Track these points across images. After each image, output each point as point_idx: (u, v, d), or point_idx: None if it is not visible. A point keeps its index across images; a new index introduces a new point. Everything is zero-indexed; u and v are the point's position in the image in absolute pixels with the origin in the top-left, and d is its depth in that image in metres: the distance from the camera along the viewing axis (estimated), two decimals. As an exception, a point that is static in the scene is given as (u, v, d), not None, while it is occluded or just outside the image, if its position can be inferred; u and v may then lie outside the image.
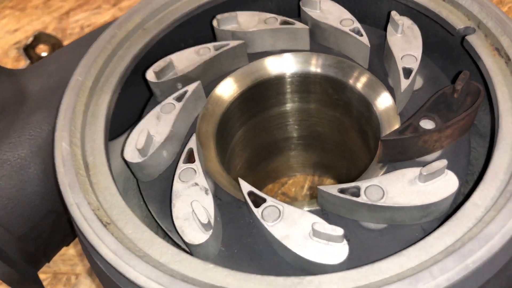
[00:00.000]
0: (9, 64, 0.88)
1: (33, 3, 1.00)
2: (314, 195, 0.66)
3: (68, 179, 0.36)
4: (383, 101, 0.45)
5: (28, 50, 0.78)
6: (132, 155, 0.40)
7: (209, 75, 0.48)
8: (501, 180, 0.34)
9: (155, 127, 0.42)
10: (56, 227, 0.47)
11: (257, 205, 0.36)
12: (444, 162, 0.35)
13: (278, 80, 0.51)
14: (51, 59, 0.50)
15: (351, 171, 0.60)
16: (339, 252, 0.33)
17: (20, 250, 0.44)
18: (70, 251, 0.63)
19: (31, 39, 0.78)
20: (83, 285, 0.61)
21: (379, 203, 0.35)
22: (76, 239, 0.56)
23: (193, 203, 0.35)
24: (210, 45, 0.48)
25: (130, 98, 0.48)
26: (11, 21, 0.98)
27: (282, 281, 0.30)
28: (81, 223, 0.33)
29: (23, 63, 0.89)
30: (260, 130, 0.57)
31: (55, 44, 0.82)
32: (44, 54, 0.81)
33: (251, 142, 0.57)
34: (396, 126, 0.43)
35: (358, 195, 0.36)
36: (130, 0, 0.99)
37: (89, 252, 0.34)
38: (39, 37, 0.79)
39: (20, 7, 1.00)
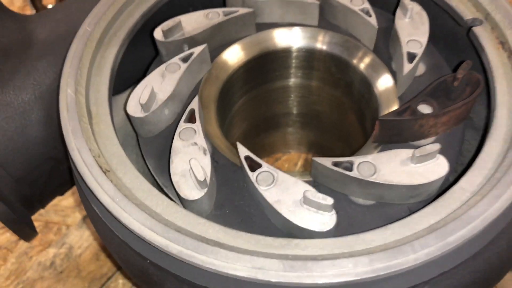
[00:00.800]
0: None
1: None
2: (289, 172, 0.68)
3: (71, 125, 0.36)
4: (384, 83, 0.46)
5: (35, 0, 0.77)
6: (135, 109, 0.40)
7: (216, 40, 0.49)
8: (489, 169, 0.35)
9: (159, 84, 0.42)
10: (53, 174, 0.48)
11: (252, 170, 0.37)
12: (437, 146, 0.36)
13: (284, 53, 0.51)
14: (59, 7, 0.50)
15: (345, 152, 0.62)
16: (327, 221, 0.34)
17: (17, 192, 0.45)
18: (63, 202, 0.64)
19: (38, -13, 0.77)
20: (73, 235, 0.62)
21: (370, 179, 0.36)
22: (71, 190, 0.57)
23: (191, 161, 0.36)
24: (220, 10, 0.49)
25: (136, 56, 0.48)
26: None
27: (271, 241, 0.32)
28: (81, 168, 0.34)
29: (29, 13, 0.89)
30: (261, 102, 0.58)
31: (62, -4, 0.81)
32: (50, 6, 0.80)
33: (251, 113, 0.58)
34: (395, 108, 0.44)
35: (350, 170, 0.37)
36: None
37: (87, 197, 0.35)
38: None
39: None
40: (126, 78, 0.48)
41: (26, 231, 0.47)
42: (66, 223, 0.63)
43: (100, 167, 0.34)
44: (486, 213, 0.31)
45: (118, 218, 0.32)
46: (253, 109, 0.58)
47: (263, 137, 0.65)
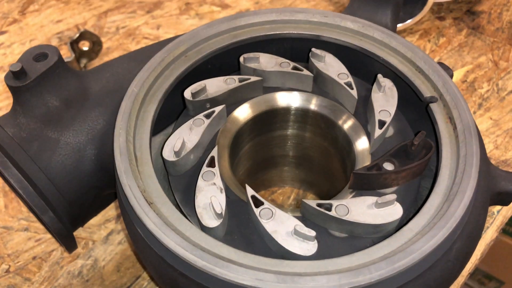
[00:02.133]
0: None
1: (76, -2, 1.13)
2: (297, 205, 0.80)
3: (123, 166, 0.48)
4: (361, 143, 0.59)
5: (73, 44, 0.90)
6: (169, 154, 0.53)
7: (231, 100, 0.62)
8: (431, 215, 0.47)
9: (188, 136, 0.55)
10: (95, 200, 0.59)
11: (256, 206, 0.49)
12: (393, 196, 0.48)
13: (284, 111, 0.64)
14: (107, 67, 0.63)
15: (330, 190, 0.74)
16: (310, 248, 0.46)
17: (68, 213, 0.56)
18: (90, 221, 0.76)
19: (77, 35, 0.90)
20: (98, 249, 0.73)
21: (344, 218, 0.48)
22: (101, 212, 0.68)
23: (212, 198, 0.48)
24: (236, 77, 0.62)
25: (167, 107, 0.61)
26: (55, 12, 1.10)
27: (268, 261, 0.44)
28: (132, 200, 0.46)
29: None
30: (263, 146, 0.70)
31: (95, 42, 0.94)
32: (85, 48, 0.94)
33: (254, 155, 0.70)
34: (367, 163, 0.56)
35: (330, 210, 0.49)
36: (162, 10, 1.12)
37: (133, 223, 0.47)
38: (84, 34, 0.91)
39: (64, 0, 1.13)
40: (158, 124, 0.61)
41: (71, 244, 0.59)
42: (93, 239, 0.75)
43: (146, 200, 0.46)
44: (423, 247, 0.43)
45: (159, 239, 0.44)
46: (256, 152, 0.71)
47: (262, 174, 0.77)
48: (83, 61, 0.94)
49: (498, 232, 0.79)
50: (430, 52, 1.03)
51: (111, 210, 0.77)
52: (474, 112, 0.92)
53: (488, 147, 0.87)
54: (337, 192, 0.70)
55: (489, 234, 0.78)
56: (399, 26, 1.03)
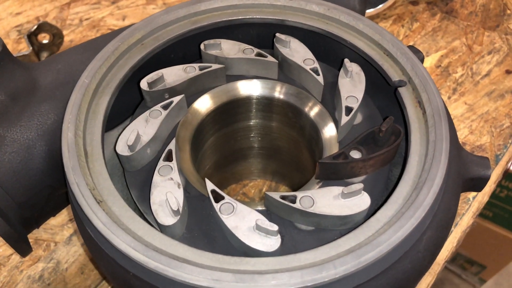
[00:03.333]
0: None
1: (37, -11, 1.08)
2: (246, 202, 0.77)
3: (72, 163, 0.45)
4: (328, 130, 0.56)
5: (31, 36, 0.86)
6: (122, 148, 0.49)
7: (192, 90, 0.59)
8: (398, 205, 0.45)
9: (144, 128, 0.52)
10: (49, 200, 0.56)
11: (217, 201, 0.46)
12: (360, 185, 0.46)
13: (248, 100, 0.61)
14: (59, 57, 0.59)
15: (302, 181, 0.71)
16: (273, 243, 0.43)
17: (19, 215, 0.53)
18: (52, 221, 0.72)
19: (35, 27, 0.85)
20: (61, 251, 0.70)
21: (309, 210, 0.46)
22: (60, 212, 0.65)
23: (167, 194, 0.45)
24: (196, 65, 0.58)
25: (124, 100, 0.57)
26: (14, 4, 1.05)
27: (228, 259, 0.41)
28: (80, 199, 0.43)
29: (22, 45, 0.97)
30: (229, 139, 0.67)
31: (56, 34, 0.90)
32: (45, 41, 0.89)
33: (220, 148, 0.67)
34: (335, 151, 0.54)
35: (294, 202, 0.46)
36: (128, 0, 1.07)
37: (83, 222, 0.44)
38: (42, 26, 0.87)
39: (24, -9, 1.08)
40: (115, 118, 0.57)
41: (24, 248, 0.55)
42: (54, 240, 0.71)
43: (95, 198, 0.43)
44: (390, 239, 0.41)
45: (109, 240, 0.40)
46: (222, 144, 0.67)
47: (232, 167, 0.74)
48: (44, 55, 0.89)
49: (474, 218, 0.78)
50: (404, 38, 1.01)
51: (73, 210, 0.73)
52: (449, 97, 0.90)
53: (463, 132, 0.85)
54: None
55: (465, 220, 0.76)
56: (371, 11, 1.00)
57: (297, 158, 0.69)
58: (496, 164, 0.81)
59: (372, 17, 1.03)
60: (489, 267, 1.60)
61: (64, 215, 0.73)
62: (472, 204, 0.78)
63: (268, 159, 0.74)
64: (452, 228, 0.75)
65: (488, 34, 1.01)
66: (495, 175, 0.81)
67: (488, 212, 1.50)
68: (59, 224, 0.72)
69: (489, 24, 1.03)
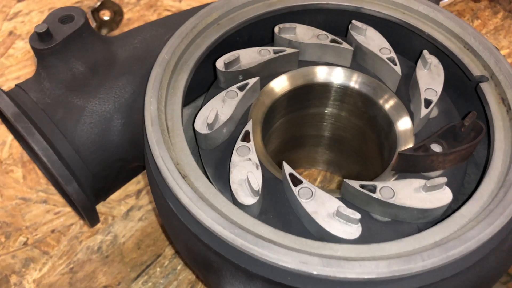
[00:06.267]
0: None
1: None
2: (324, 188, 0.77)
3: (156, 137, 0.45)
4: (404, 123, 0.55)
5: (94, 13, 0.86)
6: (201, 126, 0.49)
7: (264, 73, 0.58)
8: (484, 201, 0.44)
9: (221, 108, 0.51)
10: (120, 173, 0.56)
11: (295, 185, 0.46)
12: (444, 179, 0.45)
13: (321, 87, 0.61)
14: (136, 32, 0.59)
15: (361, 173, 0.71)
16: (354, 231, 0.43)
17: (92, 185, 0.53)
18: (110, 196, 0.73)
19: (98, 3, 0.86)
20: (118, 225, 0.71)
21: (389, 201, 0.45)
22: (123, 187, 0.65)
23: (248, 174, 0.45)
24: (270, 48, 0.58)
25: (199, 78, 0.58)
26: (75, -20, 1.06)
27: (311, 243, 0.40)
28: (165, 173, 0.43)
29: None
30: (294, 124, 0.67)
31: (116, 11, 0.91)
32: (106, 18, 0.90)
33: (284, 133, 0.67)
34: (411, 144, 0.53)
35: (374, 192, 0.46)
36: (185, -18, 1.07)
37: (164, 197, 0.44)
38: (105, 3, 0.88)
39: (84, -32, 1.09)
40: (187, 96, 0.58)
41: (93, 218, 0.56)
42: (112, 214, 0.72)
43: (180, 173, 0.43)
44: (479, 235, 0.40)
45: (194, 216, 0.40)
46: (286, 130, 0.67)
47: (290, 153, 0.74)
48: (104, 31, 0.90)
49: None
50: (464, 35, 0.98)
51: (131, 185, 0.74)
52: (511, 99, 0.87)
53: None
54: (368, 175, 0.67)
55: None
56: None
57: (359, 149, 0.68)
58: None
59: (432, 12, 1.00)
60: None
61: (121, 191, 0.74)
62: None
63: (328, 148, 0.74)
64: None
65: (554, 36, 0.97)
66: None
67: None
68: (117, 199, 0.73)
69: (555, 25, 0.99)
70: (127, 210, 0.72)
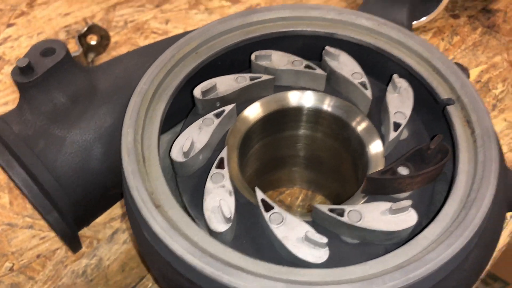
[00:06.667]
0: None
1: (85, -9, 1.11)
2: (306, 206, 0.79)
3: (131, 167, 0.47)
4: (375, 146, 0.57)
5: (80, 38, 0.89)
6: (177, 154, 0.51)
7: (241, 99, 0.60)
8: (446, 223, 0.46)
9: (197, 135, 0.53)
10: (101, 200, 0.58)
11: (266, 210, 0.48)
12: (409, 202, 0.47)
13: (295, 111, 0.63)
14: (116, 62, 0.62)
15: (340, 192, 0.72)
16: (322, 255, 0.45)
17: (73, 212, 0.55)
18: (95, 220, 0.75)
19: (85, 28, 0.89)
20: (103, 249, 0.72)
21: (356, 224, 0.47)
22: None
23: (221, 201, 0.47)
24: (247, 75, 0.60)
25: (173, 106, 0.59)
26: (63, 4, 1.09)
27: (278, 268, 0.42)
28: (139, 203, 0.45)
29: (70, 46, 1.00)
30: (272, 147, 0.69)
31: (103, 36, 0.93)
32: (93, 42, 0.92)
33: (263, 155, 0.69)
34: (381, 167, 0.55)
35: (342, 215, 0.47)
36: (171, 4, 1.10)
37: (139, 226, 0.46)
38: (92, 28, 0.90)
39: (72, -7, 1.11)
40: (167, 122, 0.59)
41: (75, 244, 0.57)
42: (97, 238, 0.74)
43: (153, 203, 0.45)
44: (439, 257, 0.42)
45: (167, 245, 0.42)
46: (265, 152, 0.69)
47: (271, 174, 0.76)
48: (91, 56, 0.93)
49: (511, 236, 0.78)
50: (443, 51, 1.01)
51: (116, 209, 0.76)
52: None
53: (503, 149, 0.84)
54: (347, 194, 0.68)
55: (502, 239, 0.76)
56: (414, 23, 1.00)
57: (337, 169, 0.70)
58: (536, 183, 0.80)
59: (412, 30, 1.03)
60: (512, 284, 1.58)
61: (106, 214, 0.76)
62: (509, 222, 0.78)
63: (307, 168, 0.75)
64: (489, 246, 0.74)
65: (531, 51, 0.99)
66: (535, 194, 0.80)
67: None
68: (102, 222, 0.75)
69: (532, 40, 1.02)
70: (112, 233, 0.74)
